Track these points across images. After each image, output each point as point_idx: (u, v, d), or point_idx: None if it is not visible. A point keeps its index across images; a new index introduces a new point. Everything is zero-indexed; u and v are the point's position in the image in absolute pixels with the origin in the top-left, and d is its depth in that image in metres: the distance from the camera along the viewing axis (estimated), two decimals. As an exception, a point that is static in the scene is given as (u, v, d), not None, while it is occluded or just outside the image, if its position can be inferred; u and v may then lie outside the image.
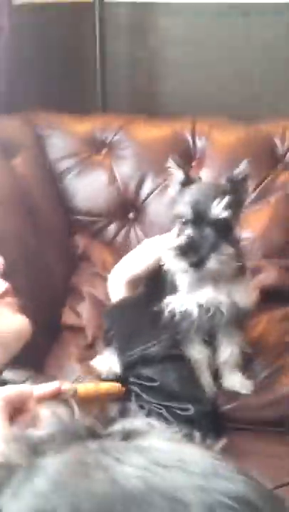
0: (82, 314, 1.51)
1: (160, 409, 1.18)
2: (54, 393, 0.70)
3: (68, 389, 0.71)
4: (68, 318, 1.51)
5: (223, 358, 1.27)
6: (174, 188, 1.17)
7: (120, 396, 0.81)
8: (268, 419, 1.25)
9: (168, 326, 1.20)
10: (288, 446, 1.21)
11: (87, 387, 0.74)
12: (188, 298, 1.18)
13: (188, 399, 1.20)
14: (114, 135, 1.84)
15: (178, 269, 1.12)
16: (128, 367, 1.24)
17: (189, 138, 1.82)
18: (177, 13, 2.03)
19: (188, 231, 1.09)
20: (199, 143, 1.81)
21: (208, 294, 1.17)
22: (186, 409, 1.19)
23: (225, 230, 1.11)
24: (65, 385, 0.72)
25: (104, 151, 1.84)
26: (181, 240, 1.10)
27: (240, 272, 1.18)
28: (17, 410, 0.65)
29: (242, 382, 1.28)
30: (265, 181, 1.72)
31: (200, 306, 1.17)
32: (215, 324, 1.21)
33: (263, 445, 1.22)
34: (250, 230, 1.59)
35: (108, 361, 1.31)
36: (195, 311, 1.17)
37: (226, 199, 1.09)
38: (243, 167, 1.14)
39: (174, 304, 1.19)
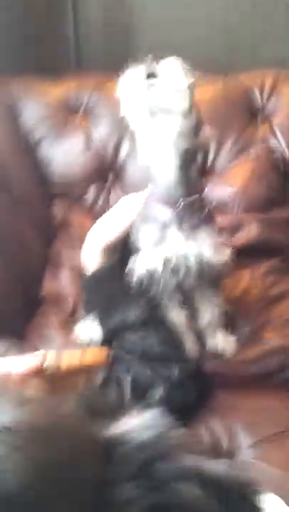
0: (63, 282, 1.48)
1: (145, 372, 1.16)
2: (35, 371, 0.68)
3: (50, 365, 0.69)
4: (49, 287, 1.49)
5: (204, 319, 1.24)
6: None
7: (105, 362, 0.78)
8: (253, 375, 1.23)
9: (138, 289, 1.16)
10: (274, 400, 1.19)
11: (71, 359, 0.72)
12: (151, 254, 1.13)
13: (172, 360, 1.18)
14: (90, 96, 1.79)
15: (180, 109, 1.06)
16: (110, 334, 1.22)
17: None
18: None
19: None
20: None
21: (172, 248, 1.12)
22: (171, 369, 1.17)
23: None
24: (49, 357, 0.69)
25: (79, 114, 1.78)
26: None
27: (207, 222, 1.14)
28: None
29: (226, 342, 1.26)
30: (245, 134, 1.68)
31: (165, 261, 1.12)
32: (184, 281, 1.16)
33: (249, 400, 1.20)
34: (230, 186, 1.56)
35: (90, 328, 1.29)
36: (160, 268, 1.12)
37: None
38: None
39: (138, 263, 1.15)
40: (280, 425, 1.11)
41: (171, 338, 1.22)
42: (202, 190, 1.15)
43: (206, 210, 1.14)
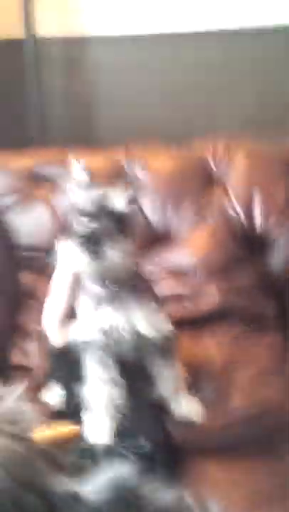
0: (30, 354, 1.49)
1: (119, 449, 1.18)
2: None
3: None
4: (17, 358, 1.49)
5: (161, 390, 1.25)
6: (74, 189, 1.16)
7: (77, 436, 0.80)
8: (222, 445, 1.24)
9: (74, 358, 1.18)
10: (242, 471, 1.20)
11: (45, 433, 0.73)
12: (86, 325, 1.16)
13: (141, 434, 1.20)
14: (53, 168, 1.84)
15: (79, 263, 1.08)
16: (76, 411, 1.24)
17: (126, 166, 1.83)
18: (108, 46, 2.05)
19: (88, 223, 1.08)
20: (136, 170, 1.82)
21: (108, 320, 1.15)
22: (142, 447, 1.18)
23: (124, 225, 1.10)
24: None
25: (44, 186, 1.83)
26: (82, 230, 1.08)
27: (143, 296, 1.18)
28: None
29: (192, 409, 1.27)
30: (202, 202, 1.74)
31: (104, 331, 1.15)
32: (121, 353, 1.18)
33: (218, 469, 1.21)
34: (190, 253, 1.61)
35: (57, 396, 1.32)
36: (100, 337, 1.15)
37: (127, 195, 1.10)
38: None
39: (77, 333, 1.18)
40: (249, 498, 1.11)
41: (137, 411, 1.23)
42: (136, 274, 1.18)
43: (141, 289, 1.18)
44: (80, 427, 1.01)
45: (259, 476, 1.20)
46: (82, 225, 1.09)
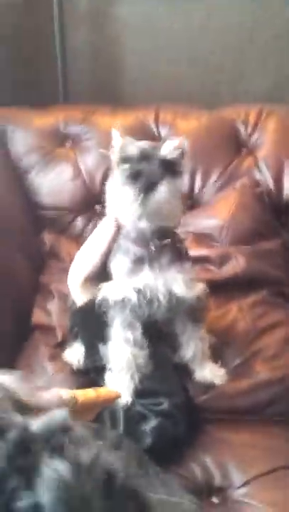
0: (52, 313, 1.48)
1: (136, 406, 1.18)
2: (56, 403, 0.68)
3: (69, 399, 0.70)
4: (38, 317, 1.49)
5: (188, 354, 1.25)
6: (115, 155, 1.12)
7: (117, 399, 0.78)
8: (243, 408, 1.24)
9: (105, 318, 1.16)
10: (265, 436, 1.20)
11: (87, 396, 0.73)
12: (121, 285, 1.15)
13: (162, 393, 1.19)
14: (78, 126, 1.82)
15: (127, 199, 1.06)
16: (96, 369, 1.24)
17: (153, 126, 1.80)
18: (135, 2, 1.99)
19: (137, 165, 1.06)
20: (163, 131, 1.79)
21: (145, 280, 1.13)
22: (161, 404, 1.18)
23: (173, 170, 1.07)
24: (65, 393, 0.70)
25: (68, 144, 1.81)
26: (130, 169, 1.06)
27: (180, 259, 1.16)
28: None
29: (215, 373, 1.27)
30: (230, 167, 1.72)
31: (138, 291, 1.13)
32: (154, 315, 1.17)
33: (240, 436, 1.21)
34: (217, 218, 1.59)
35: (78, 353, 1.32)
36: (128, 298, 1.13)
37: (174, 142, 1.08)
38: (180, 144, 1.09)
39: (107, 292, 1.16)
40: (272, 463, 1.12)
41: (159, 371, 1.23)
42: (174, 233, 1.17)
43: (179, 250, 1.17)
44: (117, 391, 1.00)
45: (279, 440, 1.20)
46: (131, 168, 1.06)
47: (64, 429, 0.43)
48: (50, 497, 0.38)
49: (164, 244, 1.13)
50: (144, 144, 1.10)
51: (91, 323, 1.24)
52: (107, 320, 1.17)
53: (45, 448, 0.41)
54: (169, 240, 1.14)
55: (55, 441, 0.42)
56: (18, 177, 1.76)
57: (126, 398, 1.18)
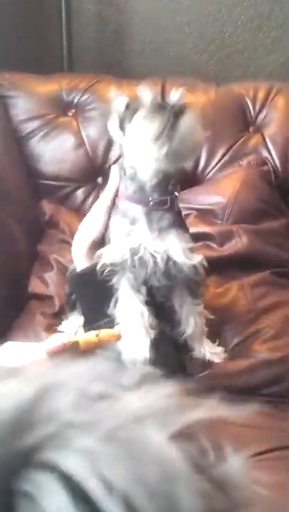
0: (50, 282, 1.46)
1: None
2: (60, 348, 0.68)
3: (71, 342, 0.70)
4: (35, 286, 1.46)
5: (187, 331, 1.23)
6: (117, 113, 1.10)
7: (119, 339, 0.79)
8: (240, 388, 1.22)
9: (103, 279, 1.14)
10: (260, 415, 1.19)
11: (88, 338, 0.72)
12: (118, 246, 1.12)
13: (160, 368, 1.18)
14: (82, 95, 1.77)
15: (149, 137, 1.03)
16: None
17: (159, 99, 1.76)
18: None
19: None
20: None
21: (139, 242, 1.11)
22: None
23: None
24: (66, 339, 0.70)
25: (71, 113, 1.77)
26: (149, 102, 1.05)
27: (177, 225, 1.14)
28: None
29: (213, 350, 1.25)
30: (237, 144, 1.69)
31: (131, 253, 1.10)
32: (151, 278, 1.14)
33: (235, 414, 1.20)
34: (221, 195, 1.56)
35: (75, 325, 1.29)
36: (124, 258, 1.11)
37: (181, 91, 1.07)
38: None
39: (105, 253, 1.13)
40: (268, 443, 1.10)
41: (157, 345, 1.21)
42: (175, 195, 1.14)
43: (178, 213, 1.14)
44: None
45: (276, 421, 1.18)
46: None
47: None
48: None
49: (162, 201, 1.11)
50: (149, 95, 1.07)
51: (92, 288, 1.21)
52: (111, 284, 1.14)
53: None
54: (168, 197, 1.11)
55: None
56: (17, 143, 1.72)
57: (144, 354, 1.14)
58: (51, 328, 1.34)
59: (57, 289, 1.43)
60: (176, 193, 1.14)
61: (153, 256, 1.11)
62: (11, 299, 1.41)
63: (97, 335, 0.71)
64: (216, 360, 1.25)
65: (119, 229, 1.13)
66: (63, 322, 1.33)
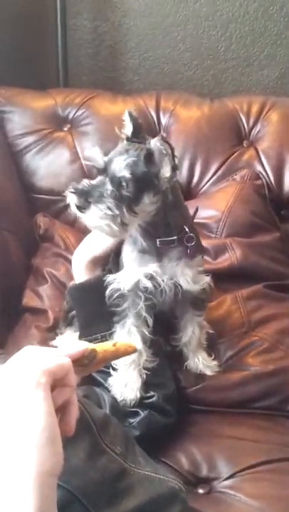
0: (44, 296, 1.46)
1: None
2: (79, 354, 0.67)
3: (88, 353, 0.69)
4: (29, 300, 1.46)
5: (184, 338, 1.24)
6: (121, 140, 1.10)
7: (135, 351, 0.78)
8: (233, 401, 1.23)
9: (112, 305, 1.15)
10: (252, 429, 1.19)
11: (105, 348, 0.72)
12: (129, 274, 1.14)
13: (152, 385, 1.17)
14: (77, 110, 1.79)
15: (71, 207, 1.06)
16: None
17: (154, 114, 1.78)
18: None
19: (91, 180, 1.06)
20: (164, 119, 1.77)
21: (151, 270, 1.12)
22: (151, 397, 1.17)
23: (122, 189, 1.03)
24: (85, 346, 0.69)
25: (66, 127, 1.78)
26: (82, 183, 1.06)
27: (188, 255, 1.14)
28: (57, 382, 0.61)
29: (207, 363, 1.26)
30: (231, 158, 1.70)
31: (139, 282, 1.12)
32: (158, 306, 1.17)
33: (229, 427, 1.20)
34: (214, 209, 1.57)
35: (69, 341, 1.29)
36: (147, 282, 1.12)
37: (131, 160, 1.03)
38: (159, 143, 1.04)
39: (114, 279, 1.15)
40: (259, 456, 1.10)
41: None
42: (183, 230, 1.14)
43: (189, 245, 1.14)
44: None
45: (267, 434, 1.19)
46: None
47: None
48: None
49: (170, 240, 1.12)
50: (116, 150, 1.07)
51: (91, 301, 1.22)
52: (117, 310, 1.15)
53: None
54: (175, 237, 1.12)
55: None
56: (13, 158, 1.73)
57: (134, 395, 1.15)
58: (45, 342, 1.34)
59: (51, 302, 1.44)
60: (186, 228, 1.14)
61: (161, 285, 1.13)
62: (5, 312, 1.41)
63: (114, 344, 0.71)
64: (208, 372, 1.25)
65: (130, 256, 1.15)
66: (57, 338, 1.33)
